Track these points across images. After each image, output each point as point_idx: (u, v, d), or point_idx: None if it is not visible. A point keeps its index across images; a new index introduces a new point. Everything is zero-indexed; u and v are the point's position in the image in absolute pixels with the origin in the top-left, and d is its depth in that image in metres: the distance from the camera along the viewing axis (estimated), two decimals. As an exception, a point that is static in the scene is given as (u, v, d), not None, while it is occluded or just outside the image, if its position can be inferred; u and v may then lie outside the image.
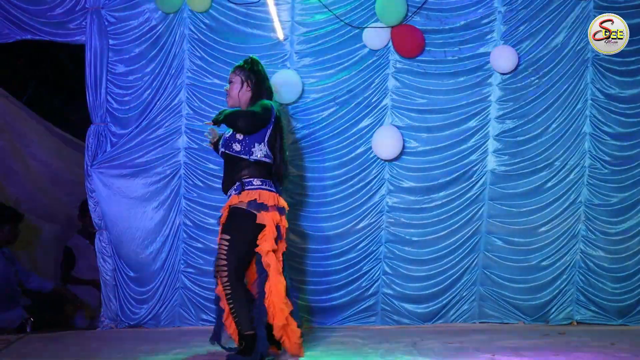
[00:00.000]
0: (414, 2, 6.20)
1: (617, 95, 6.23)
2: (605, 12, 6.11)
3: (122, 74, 6.37)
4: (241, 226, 4.78)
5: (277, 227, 4.82)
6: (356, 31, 6.20)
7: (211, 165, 6.30)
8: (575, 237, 6.29)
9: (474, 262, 6.34)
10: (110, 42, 6.33)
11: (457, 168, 6.28)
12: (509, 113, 6.26)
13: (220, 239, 4.80)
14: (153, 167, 6.32)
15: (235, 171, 4.89)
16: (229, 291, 4.75)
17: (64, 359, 5.15)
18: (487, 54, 6.22)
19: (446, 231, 6.31)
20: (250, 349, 4.71)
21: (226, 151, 4.93)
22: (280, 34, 6.22)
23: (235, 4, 6.25)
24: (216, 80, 6.28)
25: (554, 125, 6.24)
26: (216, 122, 4.89)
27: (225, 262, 4.73)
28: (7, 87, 7.28)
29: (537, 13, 6.19)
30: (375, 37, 6.19)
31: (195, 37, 6.31)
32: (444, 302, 6.34)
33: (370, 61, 6.27)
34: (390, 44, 6.21)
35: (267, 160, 4.91)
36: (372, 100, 6.27)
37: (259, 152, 4.85)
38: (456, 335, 5.77)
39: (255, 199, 4.77)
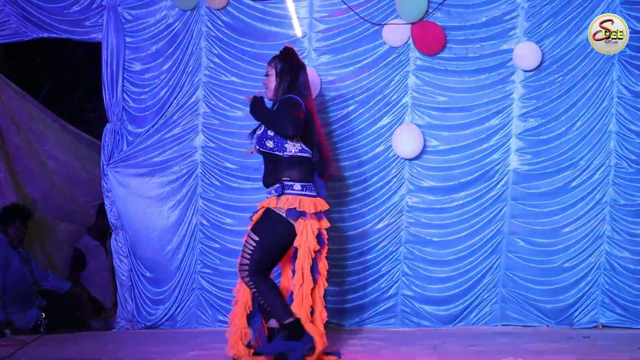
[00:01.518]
0: (435, -3, 6.17)
1: (644, 92, 6.15)
2: (632, 7, 6.06)
3: (139, 72, 6.38)
4: (274, 230, 4.65)
5: (319, 235, 4.68)
6: (376, 28, 6.17)
7: (228, 164, 6.31)
8: (600, 238, 6.21)
9: (496, 263, 6.28)
10: (127, 39, 6.35)
11: (478, 167, 6.23)
12: (532, 111, 6.20)
13: (248, 237, 4.67)
14: (169, 166, 6.34)
15: (275, 169, 4.71)
16: (253, 289, 4.63)
17: (80, 360, 5.14)
18: (510, 50, 6.16)
19: (467, 231, 6.25)
20: (296, 334, 4.55)
21: (260, 148, 4.76)
22: (298, 31, 6.20)
23: (253, 0, 6.24)
24: (234, 78, 6.29)
25: (578, 124, 6.18)
26: (253, 112, 4.72)
27: (247, 262, 4.62)
28: (24, 85, 7.31)
29: (562, 9, 6.12)
30: (395, 34, 6.15)
31: (213, 34, 6.31)
32: (465, 304, 6.28)
33: (390, 58, 6.23)
34: (411, 40, 6.17)
35: (304, 154, 4.71)
36: (392, 98, 6.24)
37: (293, 147, 4.67)
38: (478, 338, 5.72)
39: (295, 208, 4.61)
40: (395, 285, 6.29)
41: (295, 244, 4.64)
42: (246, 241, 4.67)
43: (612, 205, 6.18)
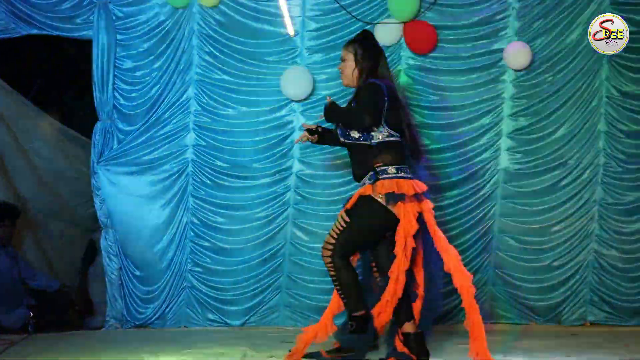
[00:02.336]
0: (427, -3, 6.18)
1: (633, 92, 6.19)
2: (621, 8, 6.11)
3: (130, 70, 6.34)
4: (368, 216, 4.40)
5: (420, 216, 4.44)
6: (368, 27, 6.13)
7: (219, 163, 6.29)
8: (589, 237, 6.27)
9: (486, 262, 6.31)
10: (118, 37, 6.30)
11: (469, 166, 6.25)
12: (522, 110, 6.23)
13: (340, 216, 4.43)
14: (160, 165, 6.30)
15: (365, 159, 4.47)
16: (332, 272, 4.46)
17: (68, 359, 5.09)
18: (501, 50, 6.18)
19: (458, 230, 6.25)
20: (362, 329, 4.43)
21: (345, 140, 4.52)
22: (290, 30, 6.17)
23: (246, -2, 6.22)
24: (225, 77, 6.26)
25: (568, 123, 6.22)
26: (328, 118, 4.51)
27: (333, 241, 4.40)
28: (14, 82, 7.23)
29: (552, 9, 6.16)
30: (387, 33, 6.13)
31: (205, 32, 6.27)
32: (455, 302, 6.28)
33: (382, 57, 6.20)
34: (402, 40, 6.16)
35: (393, 139, 4.45)
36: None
37: (380, 134, 4.41)
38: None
39: (393, 191, 4.35)
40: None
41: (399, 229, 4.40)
42: (337, 220, 4.44)
43: (600, 204, 6.23)
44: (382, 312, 4.43)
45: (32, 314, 6.37)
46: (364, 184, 4.49)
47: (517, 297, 6.28)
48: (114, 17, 6.26)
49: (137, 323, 6.34)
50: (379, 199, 4.39)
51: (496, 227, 6.27)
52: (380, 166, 4.41)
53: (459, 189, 6.23)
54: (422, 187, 4.47)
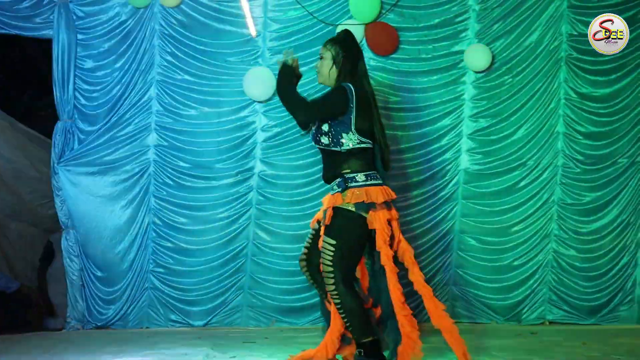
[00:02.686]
0: (388, -1, 6.19)
1: (590, 94, 6.26)
2: (578, 11, 6.19)
3: (91, 70, 6.29)
4: (349, 230, 4.32)
5: (389, 223, 4.36)
6: (330, 28, 6.17)
7: (181, 163, 6.27)
8: (548, 237, 6.32)
9: (447, 262, 6.34)
10: (79, 36, 6.25)
11: (430, 167, 6.27)
12: (482, 112, 6.27)
13: (324, 242, 4.33)
14: (122, 165, 6.26)
15: (334, 164, 4.41)
16: (337, 300, 4.33)
17: (29, 360, 5.04)
18: (461, 52, 6.22)
19: (419, 230, 6.28)
20: (372, 354, 4.31)
21: (316, 145, 4.46)
22: (252, 31, 6.18)
23: (207, -1, 6.20)
24: (187, 77, 6.25)
25: (527, 124, 6.27)
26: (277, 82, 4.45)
27: (331, 269, 4.28)
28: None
29: (511, 11, 6.22)
30: (349, 34, 6.12)
31: (166, 32, 6.25)
32: (417, 302, 6.21)
33: (343, 58, 6.21)
34: (364, 41, 6.16)
35: (364, 146, 4.38)
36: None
37: (350, 141, 4.33)
38: (429, 335, 5.68)
39: (363, 200, 4.28)
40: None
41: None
42: (324, 247, 4.34)
43: (559, 204, 6.30)
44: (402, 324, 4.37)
45: None
46: (333, 189, 4.43)
47: (478, 296, 6.31)
48: (74, 17, 6.20)
49: (98, 324, 6.29)
50: (352, 209, 4.32)
51: (457, 227, 6.31)
52: (348, 173, 4.36)
53: (420, 190, 6.25)
54: (391, 194, 4.42)
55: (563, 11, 6.18)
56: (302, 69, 6.08)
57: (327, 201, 4.49)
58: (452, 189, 6.29)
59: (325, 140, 4.39)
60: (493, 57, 6.17)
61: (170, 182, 6.26)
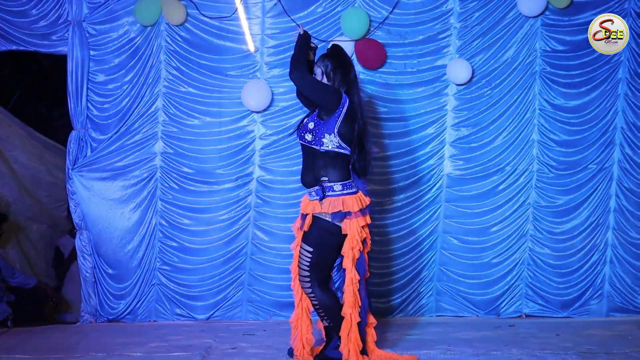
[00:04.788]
0: (376, 18, 6.19)
1: (562, 105, 6.26)
2: (551, 29, 6.22)
3: (102, 83, 6.28)
4: (325, 239, 4.35)
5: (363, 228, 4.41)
6: (322, 44, 6.15)
7: (186, 169, 6.26)
8: (524, 236, 6.32)
9: (432, 260, 6.34)
10: (91, 53, 6.24)
11: (416, 172, 6.27)
12: (463, 121, 6.27)
13: (302, 247, 4.37)
14: (131, 171, 6.25)
15: (312, 164, 4.41)
16: (315, 302, 4.38)
17: (45, 351, 5.08)
18: (444, 66, 6.22)
19: (406, 231, 6.29)
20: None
21: (300, 140, 4.48)
22: (251, 46, 6.18)
23: (209, 17, 6.20)
24: (191, 89, 6.24)
25: (505, 133, 6.27)
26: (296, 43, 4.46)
27: (307, 274, 4.35)
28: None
29: (490, 29, 6.21)
30: (340, 50, 6.15)
31: (172, 48, 6.24)
32: (404, 297, 6.34)
33: (335, 72, 6.23)
34: (354, 56, 6.17)
35: (341, 151, 4.38)
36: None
37: (330, 143, 4.34)
38: (415, 328, 5.77)
39: (340, 210, 4.30)
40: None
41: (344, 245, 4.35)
42: (301, 252, 4.37)
43: (534, 206, 6.30)
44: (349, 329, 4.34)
45: (11, 310, 6.33)
46: (311, 195, 4.44)
47: (460, 291, 6.32)
48: (87, 35, 6.21)
49: (109, 318, 6.30)
50: (327, 218, 4.33)
51: (441, 227, 6.30)
52: (326, 182, 4.37)
53: (406, 193, 6.25)
54: (365, 200, 4.44)
55: (537, 29, 6.18)
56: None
57: (305, 205, 4.49)
58: (436, 192, 6.29)
59: (308, 137, 4.40)
60: (473, 71, 6.17)
61: (176, 187, 6.26)
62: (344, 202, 4.33)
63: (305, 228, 4.42)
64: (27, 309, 6.49)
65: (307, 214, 4.48)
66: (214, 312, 6.30)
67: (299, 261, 4.41)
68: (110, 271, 6.32)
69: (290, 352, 4.61)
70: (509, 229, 6.31)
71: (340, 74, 4.48)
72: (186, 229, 6.27)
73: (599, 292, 6.33)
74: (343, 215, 4.33)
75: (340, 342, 4.36)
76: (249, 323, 6.18)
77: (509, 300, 6.35)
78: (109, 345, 5.16)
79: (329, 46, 4.69)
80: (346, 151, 4.41)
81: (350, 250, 4.34)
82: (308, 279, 4.36)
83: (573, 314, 6.31)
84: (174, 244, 6.30)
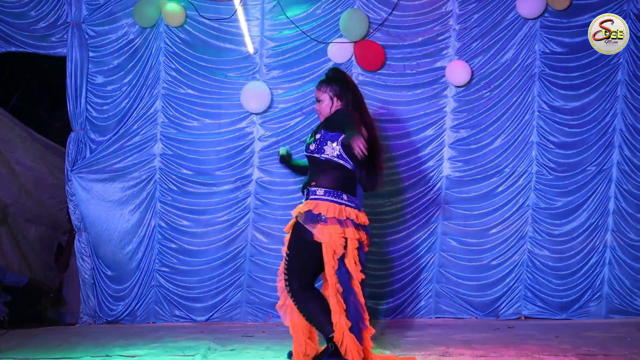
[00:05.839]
0: (375, 19, 6.19)
1: (561, 107, 6.27)
2: (550, 31, 6.22)
3: (101, 85, 6.29)
4: (300, 241, 4.22)
5: (360, 244, 4.26)
6: (321, 46, 6.18)
7: (185, 171, 6.27)
8: (523, 238, 6.32)
9: (431, 261, 6.34)
10: (90, 54, 6.26)
11: (415, 174, 6.27)
12: (462, 123, 6.27)
13: (285, 250, 4.30)
14: (130, 172, 6.26)
15: (312, 172, 4.33)
16: (296, 304, 4.26)
17: (44, 353, 5.06)
18: (443, 68, 6.23)
19: (405, 232, 6.29)
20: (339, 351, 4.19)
21: (305, 153, 4.40)
22: (250, 48, 6.18)
23: (209, 19, 6.20)
24: (190, 91, 6.25)
25: (503, 135, 6.28)
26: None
27: (287, 278, 4.24)
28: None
29: (489, 31, 6.22)
30: (339, 51, 6.18)
31: (171, 50, 6.25)
32: (403, 298, 6.33)
33: (334, 74, 6.23)
34: (353, 58, 6.19)
35: (341, 162, 4.26)
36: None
37: (332, 151, 4.23)
38: (414, 330, 5.76)
39: (310, 210, 4.17)
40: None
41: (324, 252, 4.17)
42: (284, 255, 4.30)
43: (533, 208, 6.30)
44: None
45: (7, 310, 6.30)
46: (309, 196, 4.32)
47: (459, 293, 6.32)
48: (86, 36, 6.22)
49: (108, 319, 6.30)
50: (301, 220, 4.22)
51: (440, 229, 6.30)
52: (313, 186, 4.28)
53: (405, 195, 6.25)
54: (350, 214, 4.24)
55: (536, 31, 6.19)
56: (295, 83, 6.22)
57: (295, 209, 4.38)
58: (435, 194, 6.29)
59: (312, 146, 4.34)
60: (472, 73, 6.18)
61: (175, 188, 6.27)
62: (318, 204, 4.20)
63: (287, 229, 4.36)
64: (24, 307, 6.48)
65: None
66: (213, 314, 6.30)
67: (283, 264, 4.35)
68: (109, 273, 6.31)
69: (290, 355, 4.59)
70: (508, 230, 6.31)
71: (351, 93, 4.41)
72: (185, 231, 6.27)
73: (598, 294, 6.32)
74: (313, 217, 4.18)
75: (332, 348, 4.28)
76: (248, 325, 6.18)
77: (508, 302, 6.34)
78: (108, 347, 5.13)
79: (329, 70, 4.55)
80: (347, 165, 4.28)
81: (331, 259, 4.19)
82: (288, 283, 4.28)
83: (572, 315, 6.30)
84: (173, 246, 6.30)
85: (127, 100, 6.24)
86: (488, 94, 6.25)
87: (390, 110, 6.25)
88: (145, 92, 6.23)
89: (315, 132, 4.43)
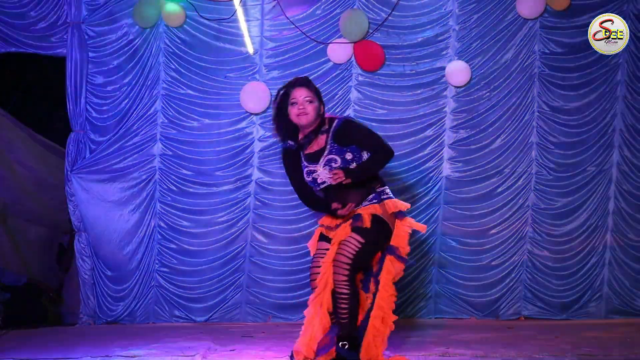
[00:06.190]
0: (375, 20, 6.19)
1: (561, 107, 6.26)
2: (549, 32, 6.21)
3: (101, 85, 6.30)
4: (381, 235, 4.27)
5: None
6: (321, 46, 6.18)
7: (185, 171, 6.28)
8: (523, 239, 6.31)
9: (430, 262, 6.33)
10: (90, 54, 6.27)
11: (414, 174, 6.27)
12: (462, 123, 6.27)
13: (351, 237, 4.19)
14: (129, 173, 6.27)
15: (336, 198, 4.28)
16: (345, 289, 4.14)
17: (44, 353, 5.04)
18: (443, 68, 6.22)
19: (404, 233, 6.26)
20: (354, 349, 4.20)
21: (320, 188, 4.35)
22: (250, 48, 6.19)
23: (208, 19, 6.20)
24: (190, 91, 6.26)
25: (503, 135, 6.27)
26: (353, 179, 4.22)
27: (350, 261, 4.14)
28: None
29: (489, 31, 6.21)
30: (339, 52, 6.18)
31: (170, 50, 6.26)
32: (403, 299, 6.29)
33: (334, 74, 6.25)
34: (353, 58, 6.19)
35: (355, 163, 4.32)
36: (336, 111, 6.23)
37: (366, 155, 4.28)
38: (413, 330, 5.75)
39: (400, 210, 4.30)
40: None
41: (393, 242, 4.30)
42: (348, 240, 4.18)
43: (533, 209, 6.29)
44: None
45: (4, 310, 6.30)
46: (370, 201, 4.32)
47: (459, 294, 6.32)
48: (86, 37, 6.22)
49: (108, 319, 6.30)
50: (386, 219, 4.29)
51: (439, 229, 6.30)
52: (379, 187, 4.36)
53: (405, 195, 6.19)
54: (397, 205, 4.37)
55: (536, 31, 6.18)
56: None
57: (363, 210, 4.32)
58: (435, 194, 6.28)
59: (349, 156, 4.26)
60: (472, 73, 6.18)
61: (174, 189, 6.27)
62: (396, 204, 4.34)
63: (366, 223, 4.27)
64: (23, 306, 6.47)
65: (359, 215, 4.32)
66: (212, 314, 6.30)
67: (340, 249, 4.22)
68: (109, 273, 6.31)
69: (292, 356, 4.57)
70: (507, 231, 6.30)
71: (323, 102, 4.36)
72: (185, 231, 6.27)
73: (598, 294, 6.31)
74: (400, 214, 4.34)
75: (341, 342, 4.22)
76: (247, 325, 6.17)
77: (508, 303, 6.33)
78: (108, 347, 5.10)
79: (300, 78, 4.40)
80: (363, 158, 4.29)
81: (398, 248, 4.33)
82: (348, 267, 4.16)
83: (572, 316, 6.29)
84: (173, 246, 6.30)
85: (126, 100, 6.24)
86: (488, 94, 6.24)
87: (390, 111, 6.26)
88: (145, 93, 6.24)
89: (312, 157, 4.32)
